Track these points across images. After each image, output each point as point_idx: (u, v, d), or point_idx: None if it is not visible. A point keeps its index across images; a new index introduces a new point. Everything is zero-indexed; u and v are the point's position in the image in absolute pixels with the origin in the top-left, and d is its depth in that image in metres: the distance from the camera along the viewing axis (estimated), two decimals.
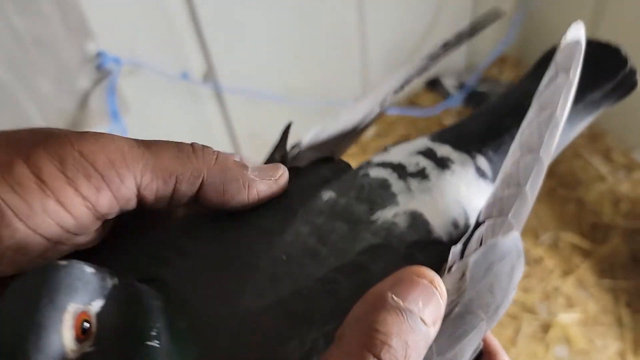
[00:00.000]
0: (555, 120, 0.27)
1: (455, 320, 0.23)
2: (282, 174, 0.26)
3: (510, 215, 0.25)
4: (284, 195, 0.25)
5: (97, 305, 0.18)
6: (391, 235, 0.24)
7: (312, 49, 1.35)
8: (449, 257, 0.24)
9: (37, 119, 0.90)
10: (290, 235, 0.23)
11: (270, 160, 0.29)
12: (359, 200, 0.25)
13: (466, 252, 0.24)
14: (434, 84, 1.62)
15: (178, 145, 0.24)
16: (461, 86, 1.55)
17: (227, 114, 1.37)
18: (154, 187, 0.23)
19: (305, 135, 0.31)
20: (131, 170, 0.22)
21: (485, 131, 0.31)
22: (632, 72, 0.34)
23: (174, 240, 0.24)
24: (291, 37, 1.30)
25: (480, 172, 0.30)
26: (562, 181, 1.40)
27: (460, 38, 0.34)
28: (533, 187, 0.26)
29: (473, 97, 1.53)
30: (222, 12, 1.17)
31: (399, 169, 0.28)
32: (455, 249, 0.24)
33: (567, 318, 1.21)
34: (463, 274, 0.23)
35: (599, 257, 1.29)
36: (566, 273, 1.28)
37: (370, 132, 1.57)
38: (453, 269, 0.23)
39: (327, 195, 0.25)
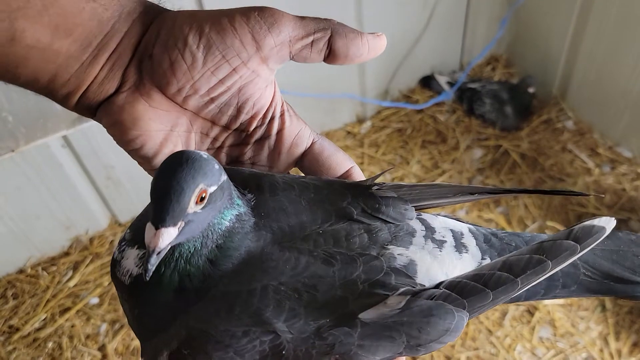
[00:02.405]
0: (545, 266, 0.33)
1: (384, 326, 0.31)
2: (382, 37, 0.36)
3: (467, 300, 0.32)
4: (351, 206, 0.35)
5: (212, 188, 0.30)
6: (386, 260, 0.33)
7: None
8: (403, 288, 0.32)
9: None
10: (334, 226, 0.34)
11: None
12: (389, 232, 0.35)
13: (417, 296, 0.32)
14: (427, 81, 1.64)
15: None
16: (453, 83, 1.58)
17: None
18: (299, 42, 0.35)
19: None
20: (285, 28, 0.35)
21: (505, 245, 0.37)
22: None
23: (275, 177, 0.36)
24: None
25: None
26: (550, 173, 1.44)
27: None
28: (497, 295, 0.33)
29: (464, 94, 1.57)
30: None
31: (429, 231, 0.36)
32: (410, 288, 0.33)
33: (552, 302, 1.23)
34: (401, 302, 0.32)
35: None
36: None
37: (366, 125, 1.63)
38: (400, 295, 0.32)
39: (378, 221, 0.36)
